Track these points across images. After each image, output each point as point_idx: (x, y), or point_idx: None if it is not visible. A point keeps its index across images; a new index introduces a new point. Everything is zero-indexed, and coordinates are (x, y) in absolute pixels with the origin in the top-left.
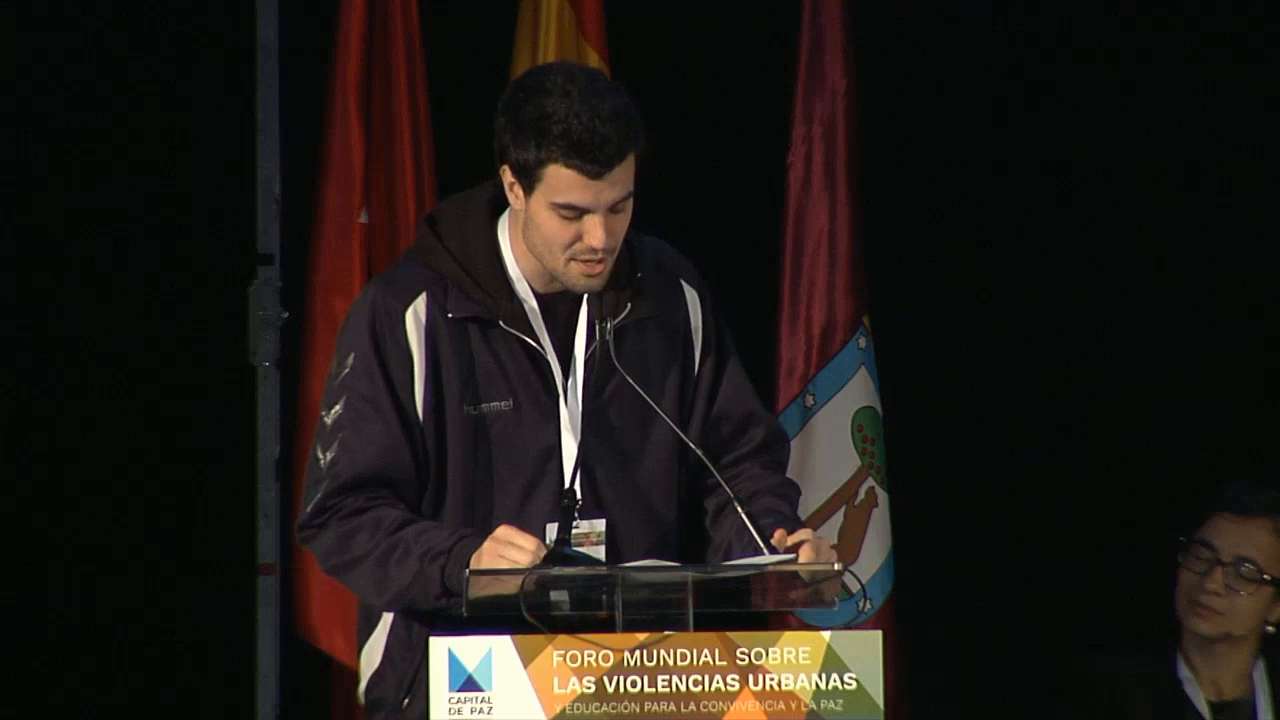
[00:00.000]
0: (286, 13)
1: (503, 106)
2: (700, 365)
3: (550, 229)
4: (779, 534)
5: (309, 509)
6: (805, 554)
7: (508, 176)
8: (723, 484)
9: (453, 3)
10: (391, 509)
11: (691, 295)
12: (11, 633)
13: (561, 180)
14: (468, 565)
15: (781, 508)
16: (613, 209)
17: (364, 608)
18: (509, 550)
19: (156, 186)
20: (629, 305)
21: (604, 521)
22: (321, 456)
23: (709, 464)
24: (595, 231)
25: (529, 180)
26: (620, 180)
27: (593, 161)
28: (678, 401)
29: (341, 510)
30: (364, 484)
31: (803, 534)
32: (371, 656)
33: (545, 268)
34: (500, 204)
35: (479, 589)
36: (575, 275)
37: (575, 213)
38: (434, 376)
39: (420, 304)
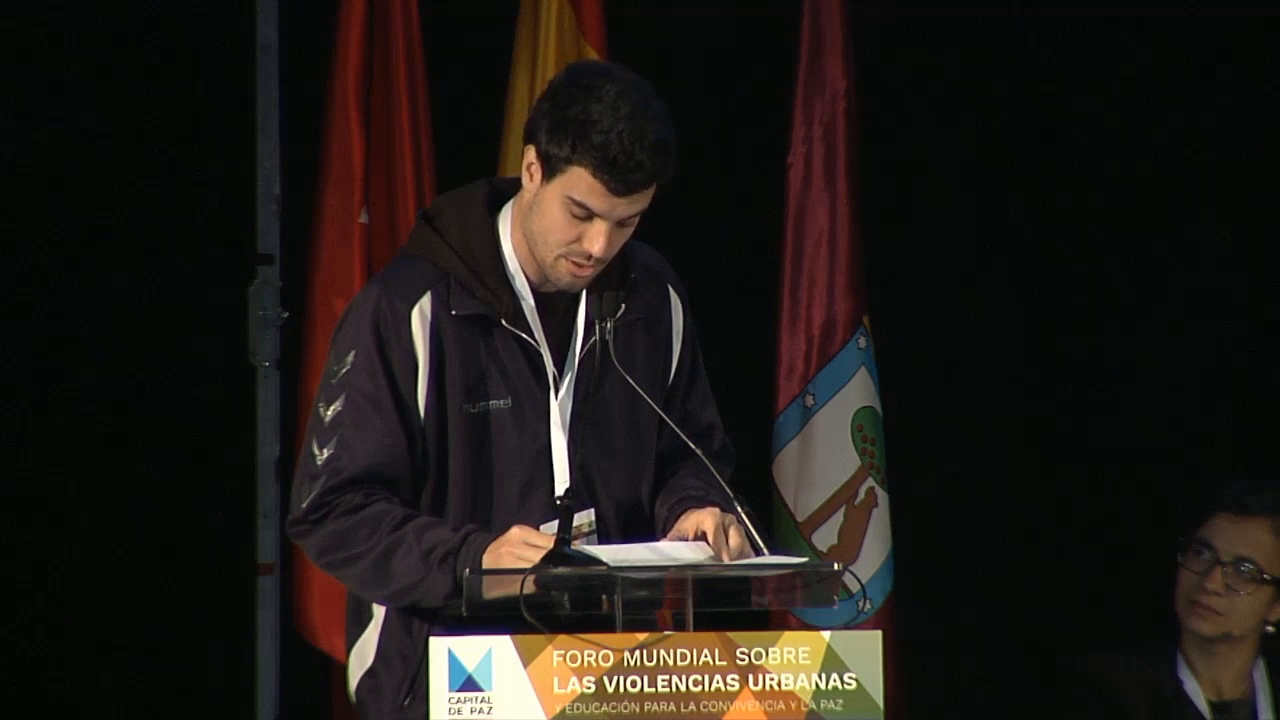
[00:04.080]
0: (286, 13)
1: (550, 93)
2: (676, 371)
3: (555, 219)
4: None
5: (305, 504)
6: (731, 543)
7: (530, 156)
8: (717, 478)
9: (453, 2)
10: (390, 505)
11: (676, 301)
12: (10, 632)
13: (583, 183)
14: (479, 565)
15: (692, 485)
16: (621, 222)
17: (353, 606)
18: (527, 551)
19: (156, 186)
20: (623, 305)
21: (592, 512)
22: (318, 452)
23: (708, 464)
24: (597, 239)
25: (551, 169)
26: (638, 201)
27: (620, 181)
28: (658, 403)
29: (339, 507)
30: (363, 481)
31: (700, 518)
32: (364, 655)
33: (535, 257)
34: (496, 200)
35: (490, 590)
36: (562, 272)
37: (585, 213)
38: (437, 375)
39: (425, 302)
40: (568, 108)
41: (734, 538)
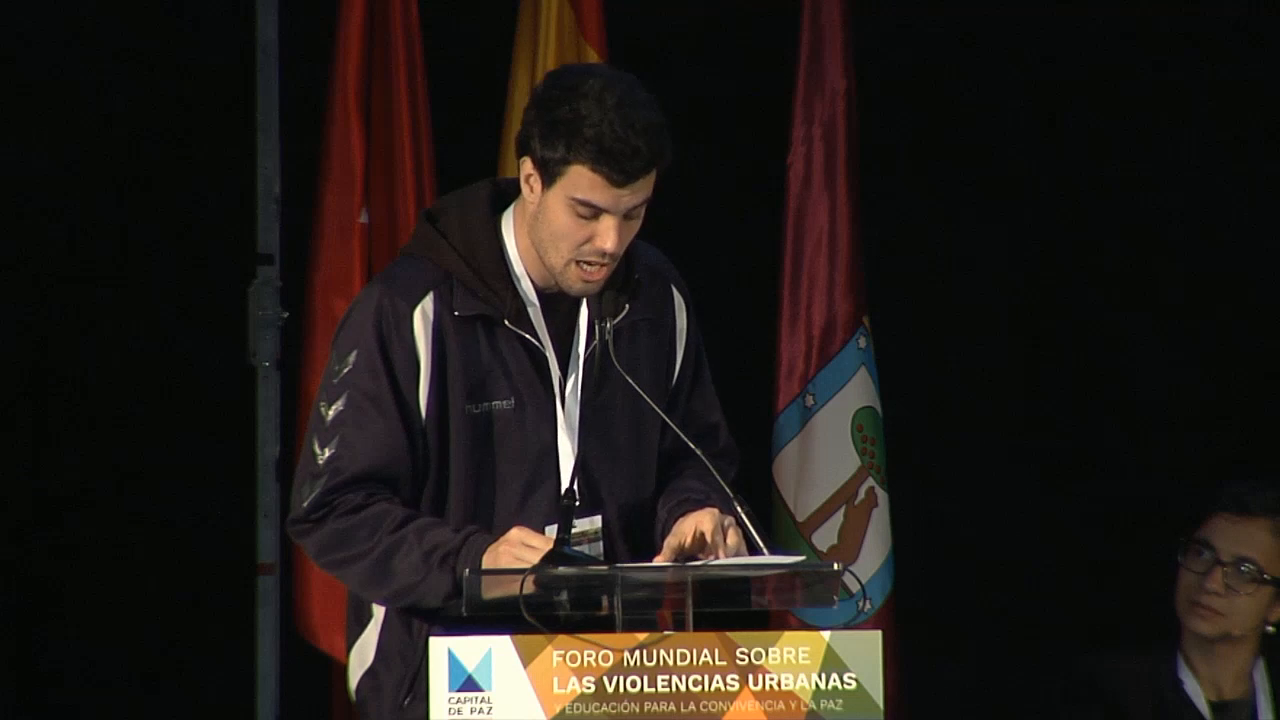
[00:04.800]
0: (286, 13)
1: (535, 100)
2: (680, 371)
3: (563, 224)
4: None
5: (305, 504)
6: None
7: (527, 168)
8: (718, 479)
9: (453, 3)
10: (391, 505)
11: (679, 301)
12: (10, 631)
13: (584, 180)
14: (479, 566)
15: (693, 488)
16: (627, 215)
17: (353, 606)
18: (525, 552)
19: (156, 186)
20: (626, 306)
21: (599, 518)
22: (319, 452)
23: (709, 465)
24: (608, 235)
25: (550, 175)
26: (641, 189)
27: (620, 171)
28: (662, 403)
29: (340, 507)
30: (364, 481)
31: (698, 520)
32: (364, 655)
33: (545, 265)
34: (500, 201)
35: (490, 590)
36: (574, 278)
37: (592, 211)
38: (439, 375)
39: (428, 303)
40: (555, 110)
41: (731, 537)
